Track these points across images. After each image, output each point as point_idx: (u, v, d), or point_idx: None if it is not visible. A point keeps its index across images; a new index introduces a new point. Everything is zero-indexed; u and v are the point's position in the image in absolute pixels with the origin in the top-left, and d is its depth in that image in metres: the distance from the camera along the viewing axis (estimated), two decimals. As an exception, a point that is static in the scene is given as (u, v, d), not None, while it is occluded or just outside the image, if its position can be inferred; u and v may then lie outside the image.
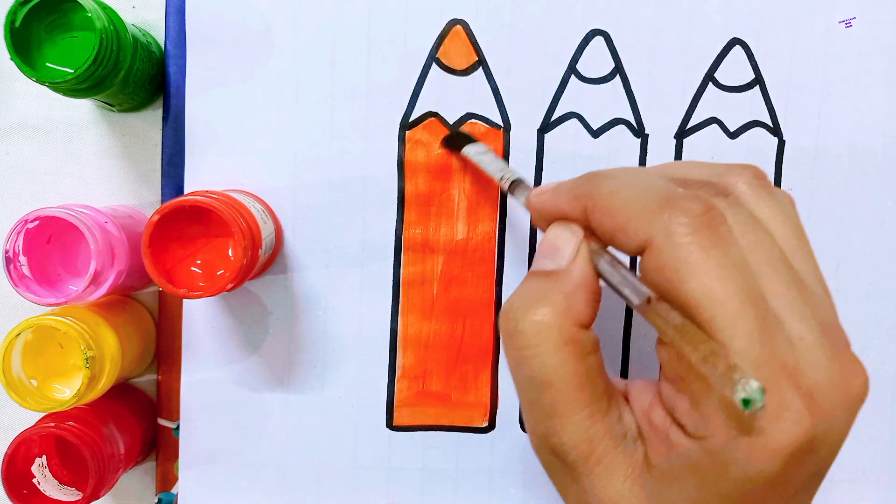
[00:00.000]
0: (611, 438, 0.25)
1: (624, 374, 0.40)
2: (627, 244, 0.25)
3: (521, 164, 0.39)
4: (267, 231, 0.36)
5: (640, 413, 0.27)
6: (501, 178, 0.34)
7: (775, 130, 0.40)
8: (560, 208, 0.28)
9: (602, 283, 0.27)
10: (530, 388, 0.26)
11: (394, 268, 0.40)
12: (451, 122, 0.39)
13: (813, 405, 0.22)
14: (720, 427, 0.22)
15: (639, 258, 0.25)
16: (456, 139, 0.39)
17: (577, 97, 0.39)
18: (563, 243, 0.27)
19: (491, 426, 0.40)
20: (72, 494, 0.35)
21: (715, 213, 0.23)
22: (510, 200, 0.40)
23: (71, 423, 0.35)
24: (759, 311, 0.22)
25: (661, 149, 0.40)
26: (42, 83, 0.33)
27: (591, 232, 0.27)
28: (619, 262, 0.26)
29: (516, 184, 0.33)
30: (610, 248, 0.27)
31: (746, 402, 0.20)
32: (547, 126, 0.39)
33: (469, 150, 0.37)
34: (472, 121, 0.39)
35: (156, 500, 0.40)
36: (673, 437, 0.24)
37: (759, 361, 0.22)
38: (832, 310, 0.25)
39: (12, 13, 0.32)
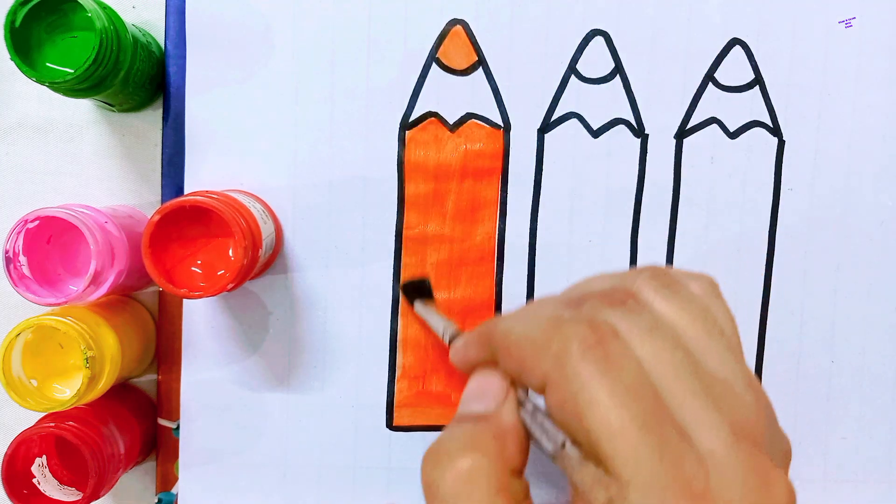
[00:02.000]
0: None
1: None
2: (532, 384, 0.23)
3: (521, 164, 0.39)
4: (267, 231, 0.36)
5: None
6: (443, 335, 0.35)
7: (775, 130, 0.40)
8: (472, 358, 0.27)
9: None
10: None
11: (394, 268, 0.40)
12: (450, 123, 0.39)
13: None
14: None
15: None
16: (408, 290, 0.39)
17: (577, 97, 0.39)
18: (489, 386, 0.26)
19: (491, 426, 0.40)
20: (72, 494, 0.35)
21: (603, 332, 0.22)
22: (511, 201, 0.40)
23: (71, 423, 0.35)
24: (661, 434, 0.20)
25: (661, 149, 0.40)
26: (42, 83, 0.33)
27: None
28: (539, 409, 0.25)
29: (454, 337, 0.34)
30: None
31: None
32: (547, 126, 0.39)
33: (418, 308, 0.38)
34: (472, 120, 0.39)
35: (156, 500, 0.40)
36: None
37: (664, 494, 0.20)
38: (752, 406, 0.23)
39: (12, 13, 0.32)
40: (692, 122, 0.40)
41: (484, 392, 0.26)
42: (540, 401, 0.24)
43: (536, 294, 0.40)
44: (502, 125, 0.39)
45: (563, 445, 0.22)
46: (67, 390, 0.34)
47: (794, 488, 0.21)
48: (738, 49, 0.39)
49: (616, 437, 0.20)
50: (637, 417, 0.20)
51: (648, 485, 0.20)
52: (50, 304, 0.33)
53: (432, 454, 0.24)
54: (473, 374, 0.27)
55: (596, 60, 0.39)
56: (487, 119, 0.39)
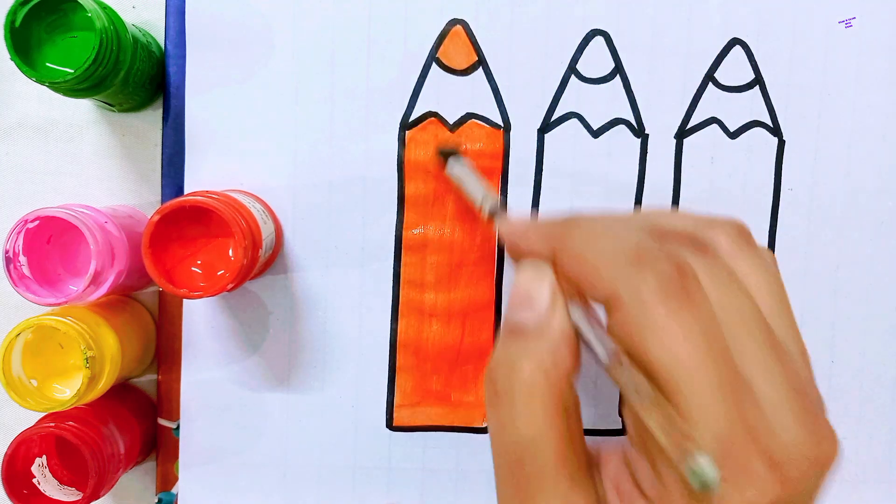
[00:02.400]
0: None
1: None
2: (594, 294, 0.24)
3: (521, 164, 0.39)
4: (267, 231, 0.36)
5: (609, 482, 0.25)
6: (482, 203, 0.34)
7: (775, 130, 0.40)
8: (531, 247, 0.27)
9: None
10: (514, 454, 0.24)
11: (394, 268, 0.40)
12: (450, 123, 0.39)
13: (778, 472, 0.21)
14: (679, 498, 0.22)
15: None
16: (443, 153, 0.38)
17: (577, 97, 0.39)
18: (537, 291, 0.26)
19: (491, 426, 0.40)
20: (72, 494, 0.35)
21: (686, 275, 0.23)
22: (511, 201, 0.40)
23: (71, 423, 0.35)
24: (725, 374, 0.21)
25: (661, 149, 0.40)
26: (42, 83, 0.33)
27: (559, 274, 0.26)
28: (592, 315, 0.25)
29: (495, 210, 0.33)
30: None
31: (698, 478, 0.19)
32: (547, 126, 0.39)
33: (453, 169, 0.37)
34: (472, 120, 0.39)
35: (156, 500, 0.40)
36: None
37: (722, 427, 0.21)
38: (808, 373, 0.24)
39: (12, 13, 0.32)
40: (692, 122, 0.40)
41: (532, 298, 0.26)
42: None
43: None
44: (502, 125, 0.39)
45: (618, 357, 0.23)
46: (67, 390, 0.34)
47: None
48: (738, 49, 0.39)
49: (681, 369, 0.21)
50: (705, 355, 0.21)
51: (707, 419, 0.21)
52: (50, 304, 0.33)
53: (490, 371, 0.25)
54: (521, 269, 0.27)
55: (596, 60, 0.39)
56: (487, 119, 0.39)
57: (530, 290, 0.26)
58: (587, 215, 0.27)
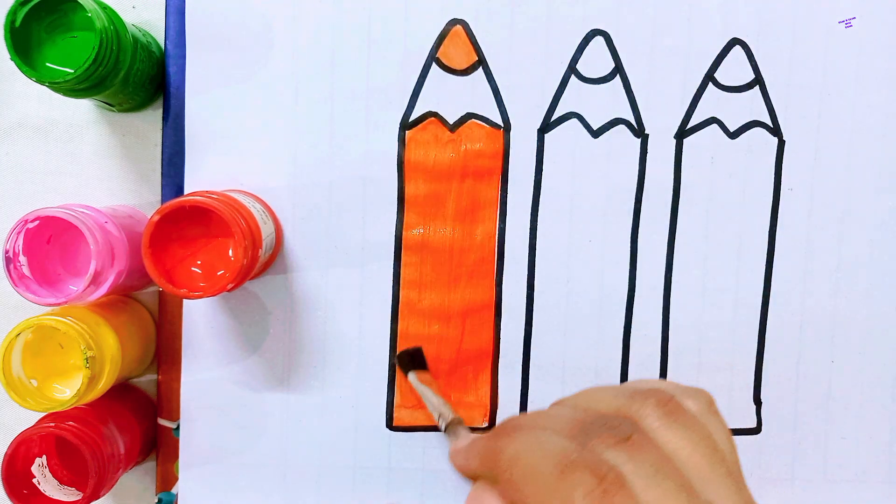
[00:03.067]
0: None
1: (624, 375, 0.40)
2: None
3: (521, 164, 0.39)
4: (267, 231, 0.36)
5: None
6: (439, 418, 0.35)
7: (775, 130, 0.40)
8: (474, 472, 0.28)
9: None
10: None
11: (394, 268, 0.40)
12: (450, 123, 0.39)
13: None
14: None
15: None
16: (402, 361, 0.39)
17: (577, 97, 0.39)
18: None
19: (491, 426, 0.40)
20: (72, 494, 0.35)
21: (609, 482, 0.23)
22: (511, 201, 0.40)
23: (71, 423, 0.35)
24: None
25: (661, 149, 0.40)
26: (42, 83, 0.33)
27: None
28: None
29: (452, 425, 0.34)
30: None
31: None
32: (547, 126, 0.39)
33: (412, 379, 0.38)
34: (472, 120, 0.39)
35: (156, 500, 0.40)
36: None
37: None
38: None
39: (12, 13, 0.32)
40: (692, 122, 0.40)
41: None
42: None
43: (536, 294, 0.40)
44: (502, 125, 0.39)
45: None
46: (67, 390, 0.34)
47: None
48: (738, 49, 0.39)
49: None
50: None
51: None
52: (50, 304, 0.33)
53: None
54: (473, 490, 0.28)
55: (596, 60, 0.39)
56: (487, 119, 0.39)
57: None
58: (516, 426, 0.27)
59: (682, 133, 0.40)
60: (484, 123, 0.39)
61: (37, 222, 0.33)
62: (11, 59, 0.32)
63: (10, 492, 0.34)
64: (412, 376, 0.38)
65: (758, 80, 0.40)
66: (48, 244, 0.35)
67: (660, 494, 0.23)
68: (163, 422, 0.40)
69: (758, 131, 0.40)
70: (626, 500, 0.23)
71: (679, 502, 0.23)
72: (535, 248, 0.40)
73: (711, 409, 0.27)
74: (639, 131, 0.40)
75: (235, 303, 0.40)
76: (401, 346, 0.40)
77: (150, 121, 0.40)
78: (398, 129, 0.39)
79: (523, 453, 0.25)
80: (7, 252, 0.33)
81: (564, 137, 0.39)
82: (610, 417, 0.26)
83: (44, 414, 0.36)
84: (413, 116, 0.39)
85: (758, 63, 0.39)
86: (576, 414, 0.27)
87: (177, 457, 0.40)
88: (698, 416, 0.26)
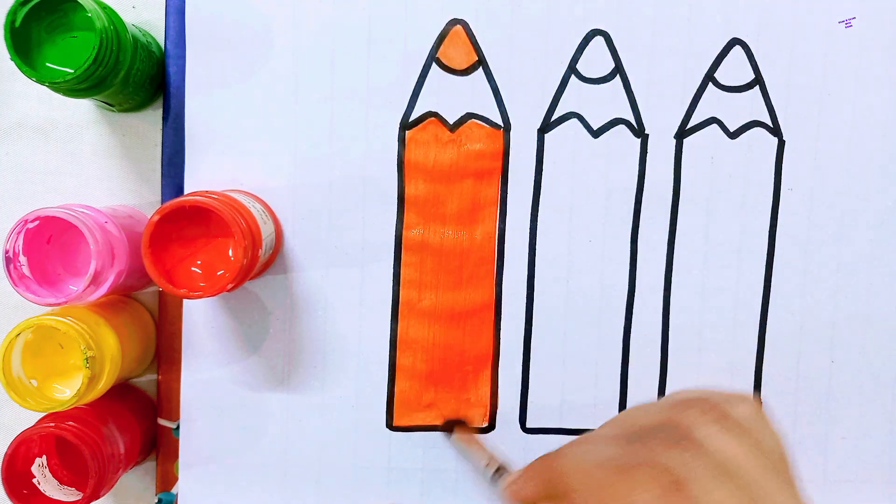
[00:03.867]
0: None
1: (624, 375, 0.40)
2: None
3: (521, 164, 0.39)
4: (267, 231, 0.36)
5: None
6: (486, 467, 0.36)
7: (775, 130, 0.40)
8: (530, 496, 0.28)
9: None
10: None
11: (394, 268, 0.40)
12: (450, 123, 0.39)
13: None
14: None
15: None
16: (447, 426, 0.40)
17: (577, 97, 0.39)
18: None
19: (491, 426, 0.40)
20: (72, 494, 0.35)
21: (677, 476, 0.23)
22: (511, 201, 0.40)
23: (71, 423, 0.34)
24: None
25: (661, 149, 0.40)
26: (42, 83, 0.33)
27: None
28: None
29: (501, 470, 0.35)
30: None
31: None
32: (547, 126, 0.39)
33: (455, 439, 0.39)
34: (472, 120, 0.39)
35: (156, 500, 0.40)
36: None
37: None
38: None
39: (12, 13, 0.32)
40: (692, 122, 0.40)
41: None
42: None
43: (536, 294, 0.40)
44: (502, 125, 0.39)
45: None
46: (67, 390, 0.34)
47: None
48: (738, 49, 0.39)
49: None
50: None
51: None
52: (50, 304, 0.33)
53: None
54: None
55: (596, 60, 0.39)
56: (487, 119, 0.39)
57: None
58: (564, 449, 0.27)
59: (682, 133, 0.40)
60: (484, 123, 0.39)
61: (37, 222, 0.33)
62: (11, 59, 0.32)
63: (10, 492, 0.34)
64: (456, 436, 0.39)
65: (758, 80, 0.40)
66: (48, 244, 0.35)
67: (721, 497, 0.23)
68: (163, 422, 0.40)
69: (758, 131, 0.40)
70: (686, 501, 0.23)
71: (742, 500, 0.23)
72: (535, 248, 0.40)
73: (759, 413, 0.26)
74: (639, 131, 0.40)
75: (235, 303, 0.40)
76: (401, 346, 0.40)
77: (150, 121, 0.40)
78: (398, 129, 0.39)
79: (578, 464, 0.25)
80: (7, 252, 0.33)
81: (564, 137, 0.39)
82: (658, 428, 0.26)
83: (44, 414, 0.36)
84: (413, 116, 0.39)
85: (758, 63, 0.39)
86: (621, 429, 0.27)
87: (177, 457, 0.40)
88: (746, 421, 0.26)
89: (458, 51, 0.39)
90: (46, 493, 0.35)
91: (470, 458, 0.38)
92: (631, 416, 0.28)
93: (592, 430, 0.27)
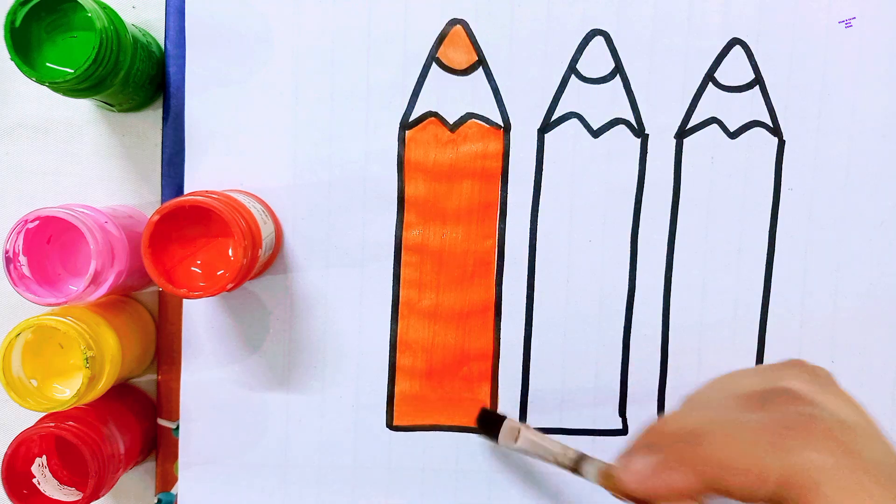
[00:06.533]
0: None
1: (624, 375, 0.40)
2: (763, 494, 0.24)
3: (521, 164, 0.39)
4: (267, 231, 0.36)
5: None
6: (562, 457, 0.34)
7: (775, 130, 0.40)
8: (674, 485, 0.26)
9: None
10: None
11: (394, 268, 0.40)
12: (450, 123, 0.39)
13: None
14: None
15: None
16: (486, 421, 0.38)
17: (577, 97, 0.39)
18: None
19: (491, 426, 0.40)
20: (72, 494, 0.35)
21: (823, 423, 0.24)
22: (511, 201, 0.40)
23: (71, 423, 0.34)
24: None
25: (661, 149, 0.40)
26: (42, 83, 0.32)
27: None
28: None
29: (581, 459, 0.33)
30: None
31: None
32: (547, 126, 0.39)
33: (524, 435, 0.36)
34: (472, 120, 0.39)
35: (156, 500, 0.40)
36: None
37: None
38: None
39: (12, 13, 0.32)
40: (692, 122, 0.40)
41: None
42: None
43: (536, 294, 0.40)
44: (502, 125, 0.39)
45: None
46: (67, 390, 0.34)
47: None
48: (738, 49, 0.39)
49: None
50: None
51: None
52: (50, 304, 0.33)
53: None
54: None
55: (596, 60, 0.39)
56: (487, 119, 0.39)
57: None
58: (699, 428, 0.27)
59: (682, 133, 0.40)
60: (484, 123, 0.39)
61: (37, 222, 0.33)
62: (11, 59, 0.32)
63: (10, 492, 0.34)
64: (525, 432, 0.36)
65: (758, 80, 0.40)
66: (48, 244, 0.35)
67: (854, 437, 0.24)
68: (163, 422, 0.40)
69: (758, 131, 0.40)
70: (854, 438, 0.24)
71: (872, 445, 0.25)
72: (535, 249, 0.40)
73: (834, 382, 0.28)
74: (639, 131, 0.40)
75: (235, 303, 0.40)
76: (401, 346, 0.40)
77: (150, 121, 0.40)
78: (398, 129, 0.39)
79: (726, 444, 0.25)
80: (7, 252, 0.33)
81: (564, 137, 0.39)
82: (765, 392, 0.27)
83: (44, 414, 0.36)
84: (413, 116, 0.39)
85: (758, 63, 0.39)
86: (727, 398, 0.28)
87: (176, 457, 0.40)
88: (840, 387, 0.27)
89: (458, 51, 0.39)
90: (46, 493, 0.35)
91: (541, 451, 0.35)
92: (725, 386, 0.28)
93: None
